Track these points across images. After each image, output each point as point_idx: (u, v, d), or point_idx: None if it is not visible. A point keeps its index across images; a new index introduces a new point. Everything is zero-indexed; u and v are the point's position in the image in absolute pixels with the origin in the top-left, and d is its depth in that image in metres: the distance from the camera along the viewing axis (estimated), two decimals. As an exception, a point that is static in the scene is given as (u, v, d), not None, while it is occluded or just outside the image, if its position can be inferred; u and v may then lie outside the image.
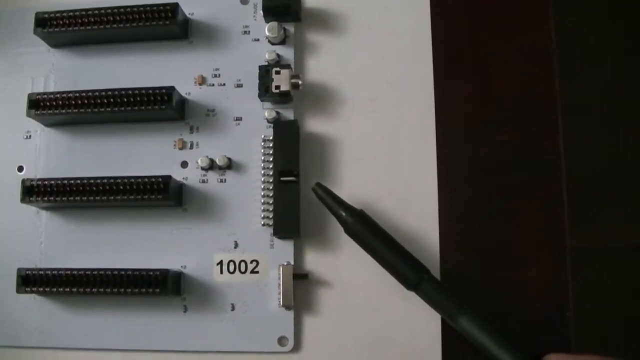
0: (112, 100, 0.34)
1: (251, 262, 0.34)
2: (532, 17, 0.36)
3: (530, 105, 0.35)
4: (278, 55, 0.35)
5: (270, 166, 0.34)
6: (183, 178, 0.35)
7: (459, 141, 0.35)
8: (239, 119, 0.35)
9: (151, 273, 0.32)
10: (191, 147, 0.35)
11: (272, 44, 0.35)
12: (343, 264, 0.34)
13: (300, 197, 0.33)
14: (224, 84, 0.36)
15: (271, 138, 0.34)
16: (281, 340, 0.33)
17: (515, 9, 0.36)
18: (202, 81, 0.36)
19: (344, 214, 0.32)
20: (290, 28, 0.36)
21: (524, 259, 0.33)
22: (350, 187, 0.34)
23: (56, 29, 0.35)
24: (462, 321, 0.30)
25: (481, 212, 0.34)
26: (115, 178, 0.33)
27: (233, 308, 0.33)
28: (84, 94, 0.34)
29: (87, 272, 0.33)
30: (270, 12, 0.35)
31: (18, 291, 0.33)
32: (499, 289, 0.33)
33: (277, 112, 0.34)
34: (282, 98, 0.34)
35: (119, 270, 0.32)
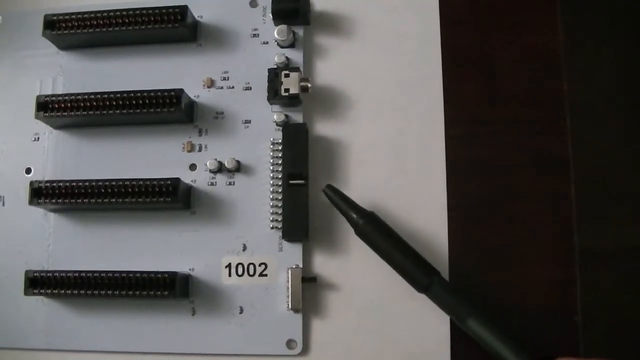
0: (120, 102, 0.34)
1: (260, 265, 0.34)
2: (540, 17, 0.36)
3: (539, 105, 0.35)
4: (287, 58, 0.35)
5: (279, 169, 0.34)
6: (192, 181, 0.35)
7: (468, 142, 0.34)
8: (247, 122, 0.35)
9: (159, 275, 0.32)
10: (200, 150, 0.35)
11: (281, 47, 0.35)
12: (352, 267, 0.34)
13: (309, 200, 0.33)
14: (233, 87, 0.36)
15: (280, 141, 0.34)
16: (289, 343, 0.33)
17: (523, 10, 0.36)
18: (211, 84, 0.36)
19: (355, 215, 0.32)
20: (299, 31, 0.36)
21: (531, 259, 0.33)
22: (359, 190, 0.34)
23: (65, 32, 0.35)
24: (472, 323, 0.30)
25: (489, 213, 0.34)
26: (124, 180, 0.33)
27: (241, 311, 0.33)
28: (92, 97, 0.34)
29: (94, 275, 0.33)
30: (280, 15, 0.35)
31: (26, 293, 0.33)
32: (506, 290, 0.33)
33: (286, 115, 0.34)
34: (291, 101, 0.34)
35: (127, 272, 0.32)
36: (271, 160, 0.34)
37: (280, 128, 0.34)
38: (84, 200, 0.33)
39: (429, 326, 0.33)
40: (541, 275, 0.33)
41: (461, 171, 0.34)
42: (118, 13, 0.35)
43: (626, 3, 0.81)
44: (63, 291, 0.33)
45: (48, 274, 0.33)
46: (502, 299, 0.33)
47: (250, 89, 0.35)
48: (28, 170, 0.36)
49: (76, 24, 0.35)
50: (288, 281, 0.33)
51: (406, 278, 0.31)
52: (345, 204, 0.32)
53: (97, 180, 0.33)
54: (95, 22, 0.35)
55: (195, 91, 0.36)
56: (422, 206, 0.34)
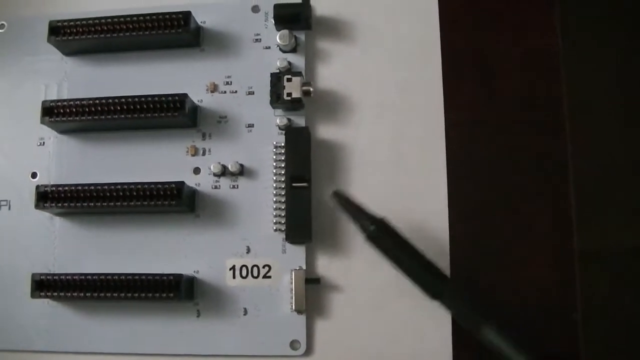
0: (125, 107, 0.34)
1: (263, 267, 0.34)
2: (539, 18, 0.36)
3: (538, 106, 0.35)
4: (289, 62, 0.35)
5: (282, 172, 0.34)
6: (196, 184, 0.35)
7: (468, 143, 0.35)
8: (250, 125, 0.35)
9: (164, 278, 0.33)
10: (203, 154, 0.35)
11: (283, 51, 0.36)
12: (355, 268, 0.34)
13: (311, 202, 0.34)
14: (236, 91, 0.36)
15: (283, 144, 0.34)
16: (293, 344, 0.33)
17: (522, 11, 0.36)
18: (214, 88, 0.36)
19: (365, 222, 0.31)
20: (301, 36, 0.36)
21: (531, 259, 0.33)
22: (362, 192, 0.34)
23: (69, 37, 0.36)
24: (486, 332, 0.30)
25: (490, 214, 0.34)
26: (129, 184, 0.33)
27: (245, 312, 0.34)
28: (97, 102, 0.34)
29: (100, 277, 0.33)
30: (281, 21, 0.35)
31: (32, 296, 0.33)
32: (506, 289, 0.33)
33: (289, 119, 0.35)
34: (294, 105, 0.34)
35: (132, 275, 0.33)
36: (274, 164, 0.34)
37: (283, 132, 0.35)
38: (89, 204, 0.34)
39: (431, 327, 0.33)
40: (540, 275, 0.33)
41: (461, 172, 0.34)
42: (122, 19, 0.35)
43: (626, 4, 0.81)
44: (69, 294, 0.33)
45: (54, 277, 0.33)
46: (501, 298, 0.33)
47: (253, 93, 0.36)
48: (34, 175, 0.37)
49: (80, 30, 0.36)
50: (291, 283, 0.33)
51: (418, 285, 0.31)
52: (354, 210, 0.32)
53: (102, 184, 0.34)
54: (99, 28, 0.35)
55: (199, 96, 0.36)
56: (424, 207, 0.34)
